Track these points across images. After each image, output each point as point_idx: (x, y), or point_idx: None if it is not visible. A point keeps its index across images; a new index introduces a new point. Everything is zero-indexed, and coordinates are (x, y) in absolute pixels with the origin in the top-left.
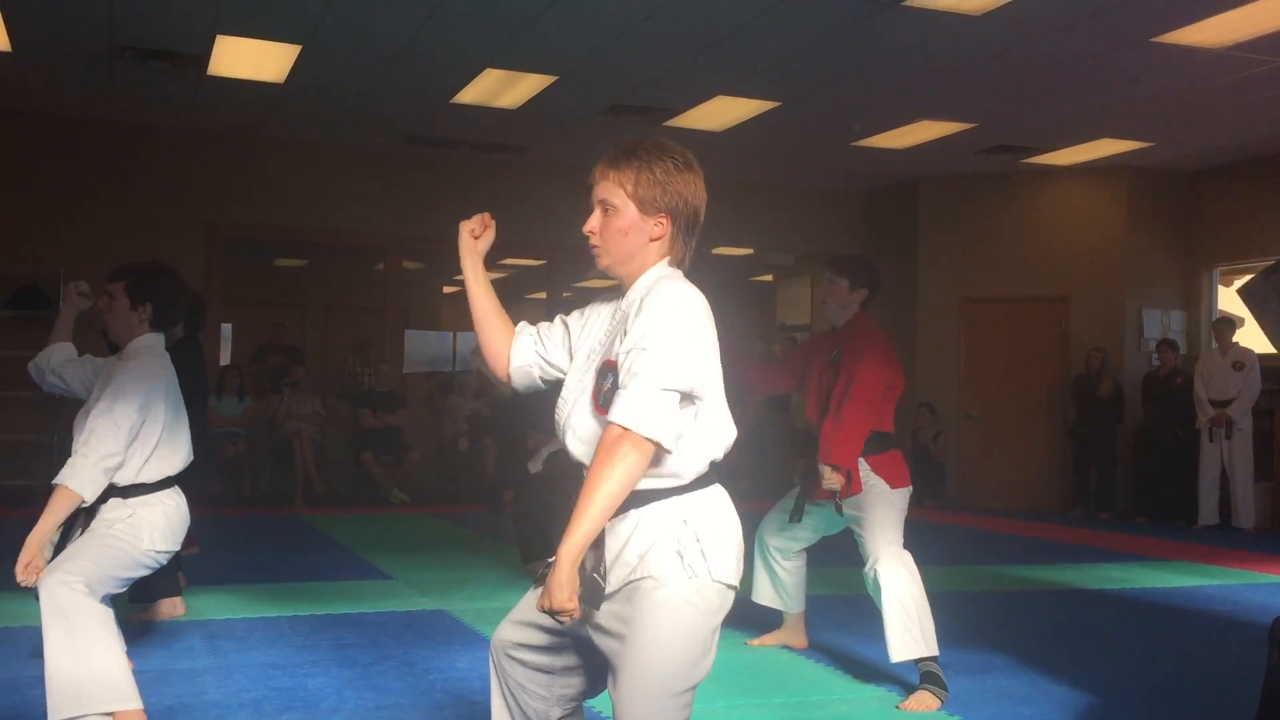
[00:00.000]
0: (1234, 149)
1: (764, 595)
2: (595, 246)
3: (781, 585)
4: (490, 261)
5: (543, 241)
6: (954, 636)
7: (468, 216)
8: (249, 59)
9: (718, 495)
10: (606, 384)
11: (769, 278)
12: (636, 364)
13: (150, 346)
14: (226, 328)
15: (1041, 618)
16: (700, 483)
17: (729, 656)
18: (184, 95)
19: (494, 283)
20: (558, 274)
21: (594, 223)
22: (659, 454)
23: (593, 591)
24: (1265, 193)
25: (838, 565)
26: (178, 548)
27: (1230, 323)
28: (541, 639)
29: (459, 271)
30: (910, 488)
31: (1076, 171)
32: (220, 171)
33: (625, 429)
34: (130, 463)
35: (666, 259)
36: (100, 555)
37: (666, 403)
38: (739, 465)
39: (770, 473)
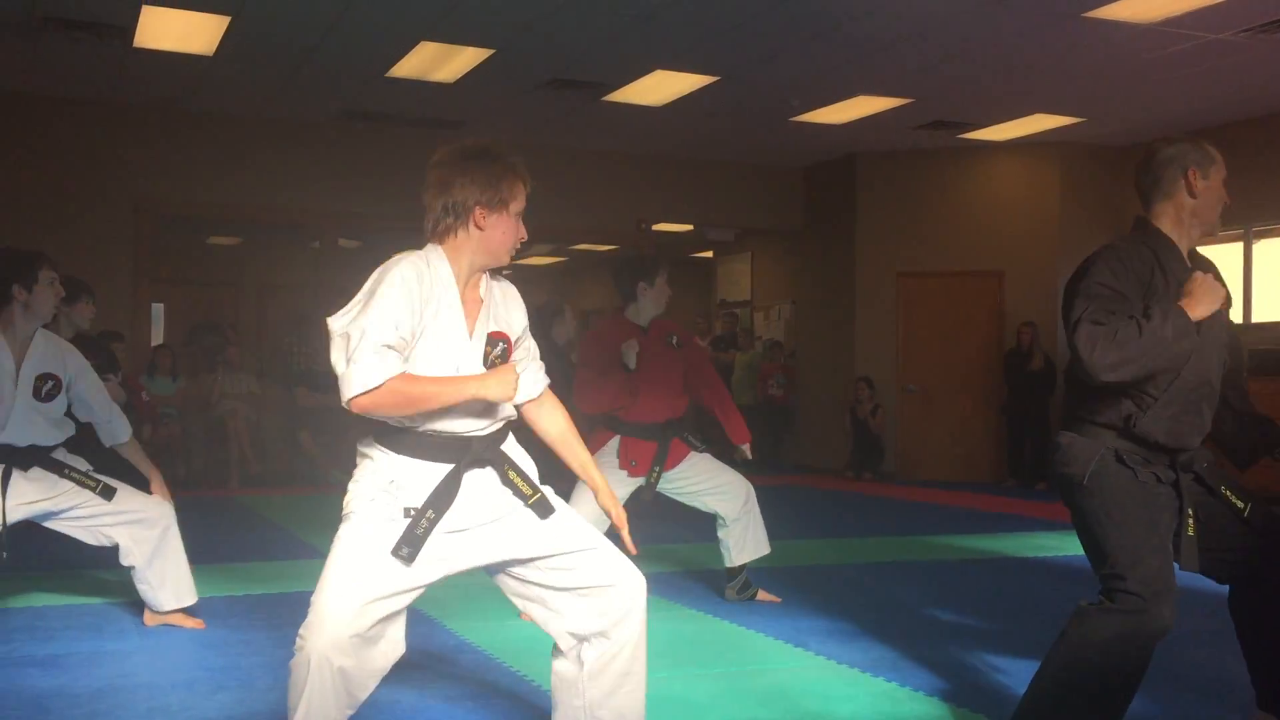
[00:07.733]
0: (1161, 124)
1: None
2: None
3: None
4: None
5: None
6: (889, 604)
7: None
8: (177, 30)
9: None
10: (495, 350)
11: (709, 254)
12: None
13: None
14: (158, 307)
15: (975, 585)
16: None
17: (668, 628)
18: (110, 68)
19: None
20: None
21: None
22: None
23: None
24: None
25: (781, 538)
26: None
27: None
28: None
29: (396, 249)
30: None
31: (1011, 147)
32: (149, 147)
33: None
34: None
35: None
36: None
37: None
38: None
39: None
